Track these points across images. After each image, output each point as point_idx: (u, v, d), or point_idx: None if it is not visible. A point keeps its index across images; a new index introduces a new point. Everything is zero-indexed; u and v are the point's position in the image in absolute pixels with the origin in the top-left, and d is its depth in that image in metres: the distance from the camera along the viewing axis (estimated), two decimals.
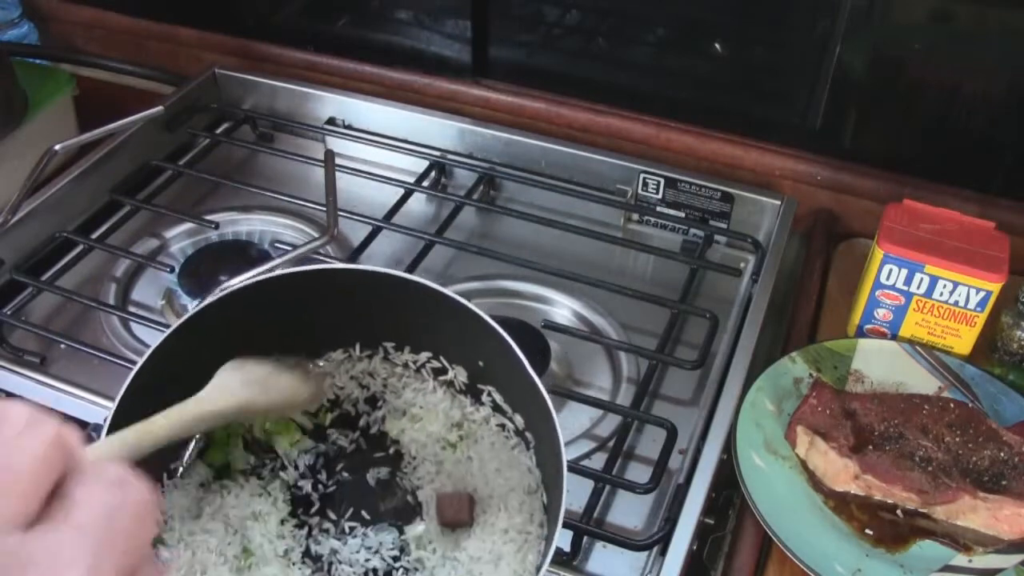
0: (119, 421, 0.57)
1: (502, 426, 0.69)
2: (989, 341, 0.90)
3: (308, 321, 0.70)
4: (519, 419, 0.68)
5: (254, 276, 0.72)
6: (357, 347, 0.73)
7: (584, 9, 1.13)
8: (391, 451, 0.70)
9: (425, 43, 1.20)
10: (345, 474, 0.69)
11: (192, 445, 0.68)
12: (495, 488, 0.66)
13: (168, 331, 0.64)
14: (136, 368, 0.62)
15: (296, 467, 0.68)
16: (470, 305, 0.65)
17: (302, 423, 0.70)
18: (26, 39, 1.31)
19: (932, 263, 0.84)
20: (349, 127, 1.18)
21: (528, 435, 0.68)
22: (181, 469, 0.67)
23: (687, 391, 0.89)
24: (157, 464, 0.65)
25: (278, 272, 0.67)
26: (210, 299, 0.65)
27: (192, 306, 0.88)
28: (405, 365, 0.72)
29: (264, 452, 0.69)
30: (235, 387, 0.61)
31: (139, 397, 0.60)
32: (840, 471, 0.76)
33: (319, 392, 0.68)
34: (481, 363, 0.68)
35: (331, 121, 1.19)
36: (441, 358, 0.71)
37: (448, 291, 0.65)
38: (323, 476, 0.68)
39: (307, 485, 0.68)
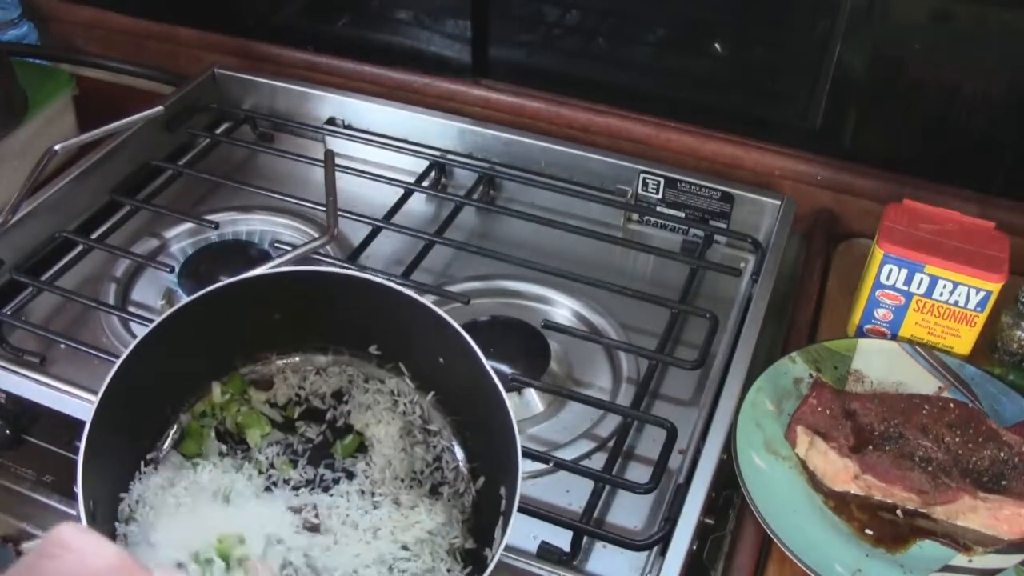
0: (99, 425, 0.60)
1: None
2: (989, 341, 0.90)
3: (279, 320, 0.73)
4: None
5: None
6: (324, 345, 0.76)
7: (584, 9, 1.13)
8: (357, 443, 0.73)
9: (425, 43, 1.20)
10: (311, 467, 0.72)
11: (168, 435, 0.70)
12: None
13: (144, 333, 0.65)
14: (115, 368, 0.63)
15: (266, 457, 0.71)
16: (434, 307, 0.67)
17: (271, 416, 0.73)
18: (26, 39, 1.31)
19: (932, 263, 0.84)
20: (349, 127, 1.18)
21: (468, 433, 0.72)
22: (160, 457, 0.69)
23: (687, 391, 0.89)
24: (133, 453, 0.67)
25: (248, 274, 0.69)
26: (183, 303, 0.67)
27: None
28: (369, 361, 0.75)
29: (236, 443, 0.72)
30: None
31: (120, 397, 0.63)
32: (840, 471, 0.76)
33: None
34: (441, 359, 0.71)
35: (331, 121, 1.19)
36: (401, 364, 0.74)
37: (412, 293, 0.68)
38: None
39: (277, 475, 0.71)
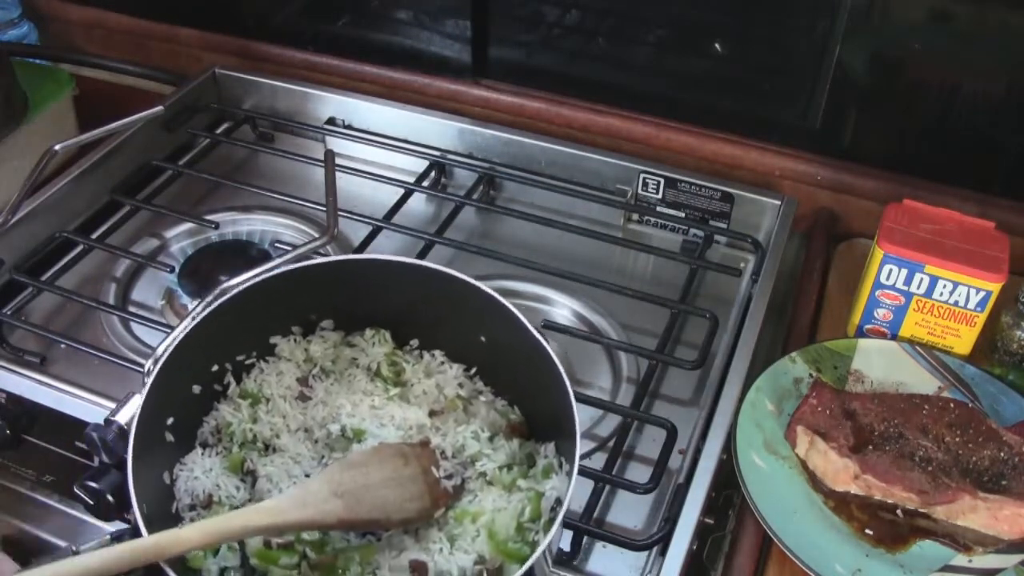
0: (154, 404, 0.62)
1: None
2: (989, 341, 0.90)
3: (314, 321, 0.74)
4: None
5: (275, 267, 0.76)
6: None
7: (584, 9, 1.13)
8: None
9: (425, 43, 1.20)
10: None
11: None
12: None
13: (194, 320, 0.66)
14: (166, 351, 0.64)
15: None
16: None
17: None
18: (26, 39, 1.31)
19: (932, 263, 0.84)
20: (349, 127, 1.18)
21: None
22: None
23: (687, 391, 0.89)
24: (173, 456, 0.67)
25: (267, 269, 0.71)
26: (218, 298, 0.68)
27: (192, 306, 0.89)
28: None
29: None
30: (319, 499, 0.58)
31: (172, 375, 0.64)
32: (840, 471, 0.76)
33: (432, 508, 0.63)
34: (483, 338, 0.70)
35: (331, 121, 1.19)
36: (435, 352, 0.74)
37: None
38: None
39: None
